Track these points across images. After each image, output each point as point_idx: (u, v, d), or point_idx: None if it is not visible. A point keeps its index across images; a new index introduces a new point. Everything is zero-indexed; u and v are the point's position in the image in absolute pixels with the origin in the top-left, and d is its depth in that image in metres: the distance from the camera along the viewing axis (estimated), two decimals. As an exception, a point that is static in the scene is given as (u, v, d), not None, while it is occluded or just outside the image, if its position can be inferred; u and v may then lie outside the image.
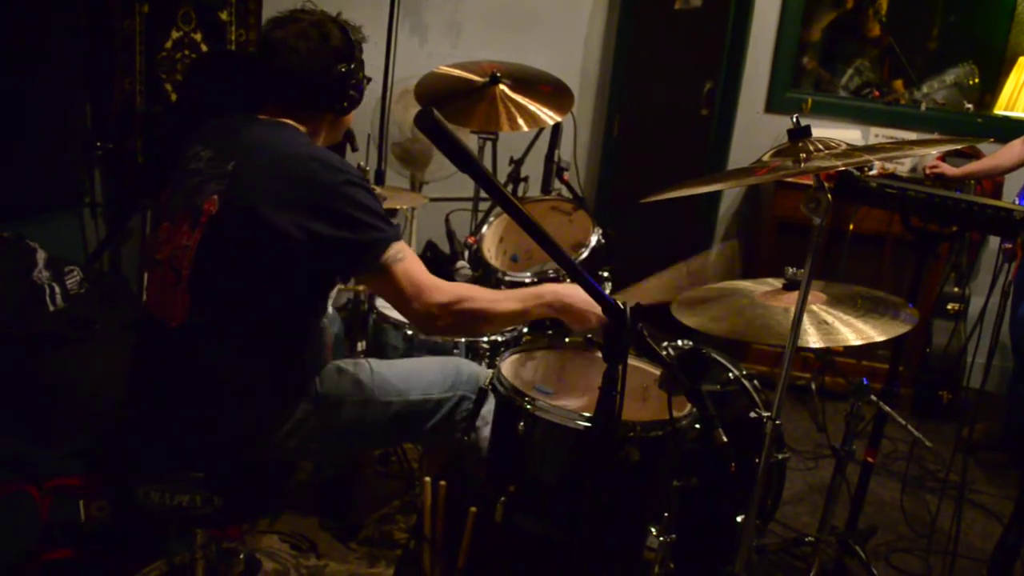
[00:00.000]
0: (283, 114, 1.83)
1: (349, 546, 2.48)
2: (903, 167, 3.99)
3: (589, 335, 2.11)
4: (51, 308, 2.42)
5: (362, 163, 2.78)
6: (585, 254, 2.59)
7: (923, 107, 4.26)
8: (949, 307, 3.84)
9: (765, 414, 2.07)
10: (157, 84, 3.55)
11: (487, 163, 3.43)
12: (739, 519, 2.07)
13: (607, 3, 4.57)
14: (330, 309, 2.19)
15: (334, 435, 1.90)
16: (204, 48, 3.62)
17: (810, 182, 1.63)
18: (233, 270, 1.72)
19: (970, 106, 4.25)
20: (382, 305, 2.44)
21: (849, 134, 4.09)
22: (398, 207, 2.81)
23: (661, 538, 1.76)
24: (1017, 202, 3.41)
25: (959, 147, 3.63)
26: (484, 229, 2.80)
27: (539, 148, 3.21)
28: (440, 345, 2.39)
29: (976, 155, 3.93)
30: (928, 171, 3.68)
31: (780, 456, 2.29)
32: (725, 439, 1.59)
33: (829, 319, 1.87)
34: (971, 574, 2.65)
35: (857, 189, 2.22)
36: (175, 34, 3.56)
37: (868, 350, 3.77)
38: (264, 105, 1.84)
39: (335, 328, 2.37)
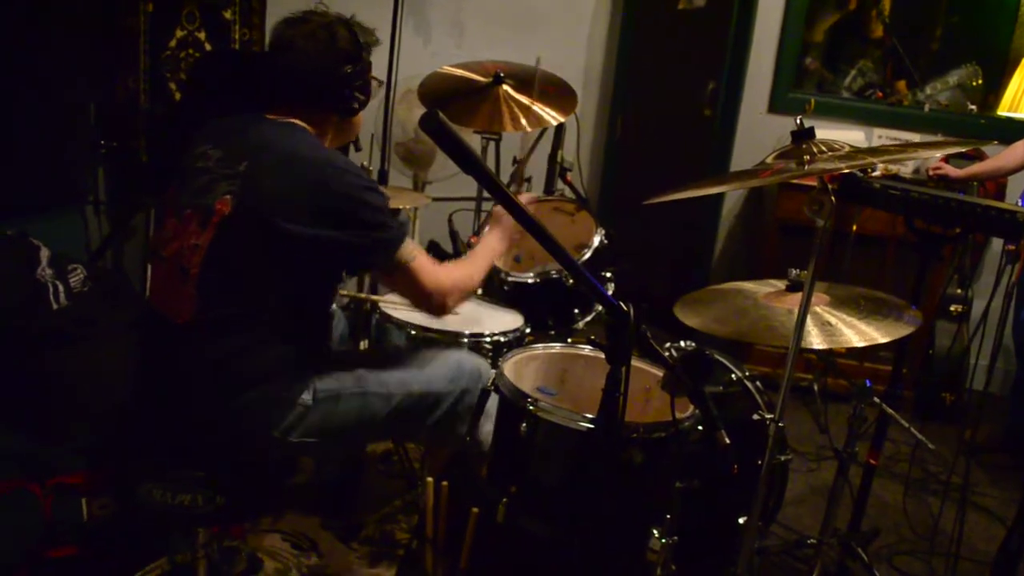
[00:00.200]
0: (290, 114, 1.85)
1: (350, 546, 2.48)
2: (906, 168, 3.99)
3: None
4: (54, 306, 2.42)
5: (365, 163, 2.79)
6: (588, 255, 2.60)
7: (926, 108, 4.25)
8: (952, 309, 3.84)
9: (768, 416, 2.08)
10: (161, 83, 3.55)
11: (490, 163, 3.43)
12: (741, 521, 2.07)
13: (610, 3, 4.57)
14: (334, 308, 2.20)
15: (335, 429, 1.91)
16: (208, 47, 3.62)
17: (813, 183, 1.63)
18: (245, 270, 1.74)
19: (973, 107, 4.25)
20: (385, 305, 2.44)
21: (852, 135, 4.09)
22: (401, 207, 2.81)
23: (663, 540, 1.76)
24: (1020, 204, 3.41)
25: (963, 150, 3.62)
26: (486, 229, 2.80)
27: (542, 148, 3.21)
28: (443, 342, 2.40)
29: (979, 156, 3.92)
30: (931, 172, 3.67)
31: (782, 458, 2.29)
32: (728, 441, 1.59)
33: (832, 320, 1.87)
34: (973, 576, 2.66)
35: (860, 191, 2.22)
36: (179, 33, 3.56)
37: (870, 352, 3.77)
38: (270, 105, 1.86)
39: (340, 328, 2.38)
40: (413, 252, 1.85)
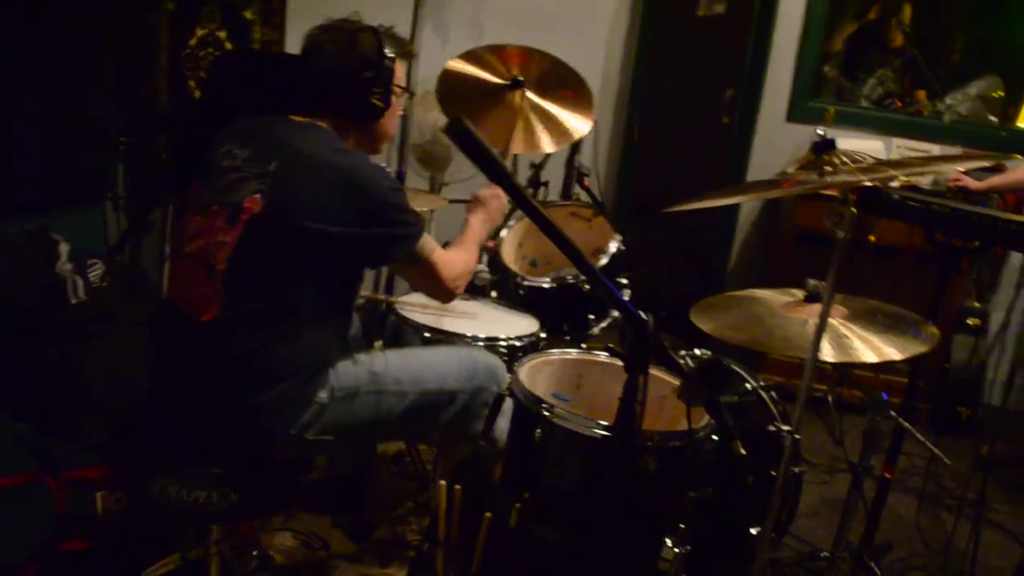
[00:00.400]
0: (312, 117, 1.89)
1: (361, 546, 2.48)
2: (925, 179, 3.96)
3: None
4: (73, 301, 2.44)
5: (383, 164, 2.78)
6: (604, 260, 2.59)
7: (946, 119, 4.22)
8: (969, 322, 3.81)
9: (785, 428, 2.07)
10: (181, 81, 3.58)
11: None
12: (754, 532, 2.06)
13: (630, 7, 4.56)
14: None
15: (351, 427, 1.92)
16: (228, 46, 3.64)
17: (832, 193, 1.62)
18: (270, 268, 1.77)
19: (994, 119, 4.21)
20: (401, 308, 2.44)
21: (871, 145, 4.06)
22: (418, 209, 2.80)
23: (676, 549, 1.75)
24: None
25: (986, 164, 3.59)
26: (503, 233, 2.81)
27: (559, 153, 3.20)
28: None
29: (999, 168, 3.89)
30: (951, 184, 3.65)
31: (796, 469, 2.27)
32: (744, 452, 1.58)
33: (848, 334, 1.85)
34: (987, 593, 2.63)
35: (880, 202, 2.20)
36: (200, 32, 3.59)
37: (886, 364, 3.73)
38: (294, 106, 1.89)
39: (353, 329, 2.38)
40: (432, 245, 1.93)
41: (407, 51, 2.01)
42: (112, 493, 2.18)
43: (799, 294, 2.04)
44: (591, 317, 2.66)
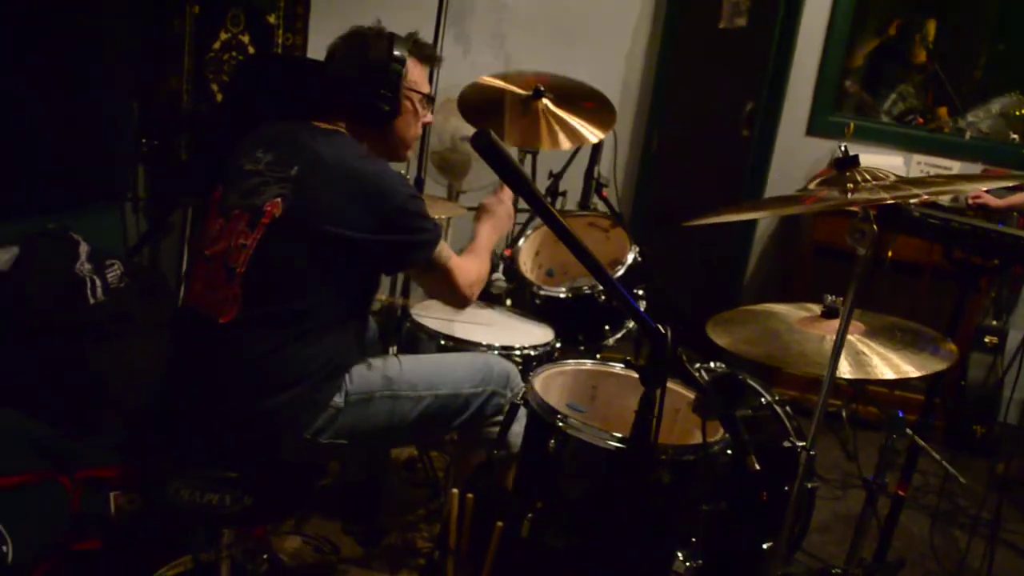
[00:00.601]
0: (333, 123, 1.92)
1: (372, 552, 2.49)
2: (944, 196, 3.94)
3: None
4: (92, 301, 2.45)
5: (402, 171, 2.80)
6: (621, 271, 2.59)
7: (967, 136, 4.20)
8: (987, 340, 3.78)
9: (800, 444, 2.06)
10: (204, 84, 3.60)
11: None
12: (766, 547, 2.05)
13: (651, 19, 4.56)
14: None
15: (365, 431, 1.92)
16: (251, 50, 3.67)
17: (853, 209, 1.61)
18: (289, 271, 1.79)
19: (1015, 136, 4.19)
20: (416, 313, 2.44)
21: (891, 160, 4.05)
22: (435, 216, 2.81)
23: (688, 563, 1.75)
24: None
25: (1011, 184, 3.57)
26: (520, 242, 2.81)
27: (578, 163, 3.21)
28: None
29: (1020, 187, 3.87)
30: (971, 201, 3.63)
31: (810, 485, 2.26)
32: (758, 467, 1.57)
33: (866, 351, 1.84)
34: (1000, 614, 2.61)
35: (901, 219, 2.19)
36: (223, 35, 3.61)
37: (902, 380, 3.71)
38: (316, 112, 1.91)
39: (369, 334, 2.39)
40: (448, 252, 1.96)
41: (429, 55, 2.01)
42: (126, 493, 2.19)
43: (816, 309, 2.03)
44: (606, 328, 2.66)
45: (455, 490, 1.92)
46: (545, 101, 2.72)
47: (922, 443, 2.33)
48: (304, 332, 1.80)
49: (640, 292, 2.70)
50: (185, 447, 1.83)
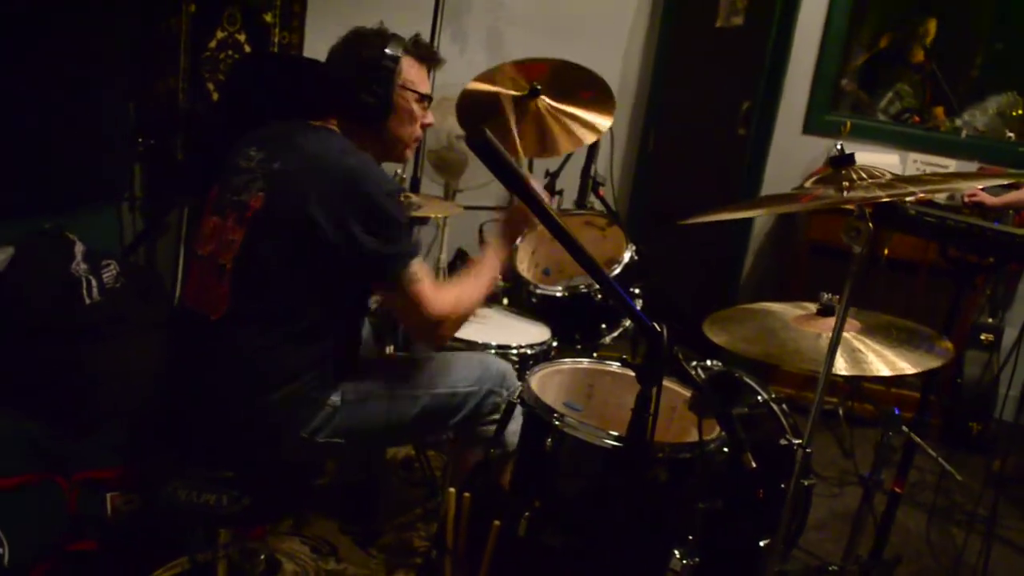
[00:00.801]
0: (327, 121, 1.90)
1: (369, 551, 2.49)
2: (940, 194, 3.94)
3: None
4: (87, 301, 2.45)
5: (399, 170, 2.80)
6: (618, 270, 2.59)
7: (963, 134, 4.20)
8: (983, 338, 3.79)
9: (796, 442, 2.06)
10: (200, 83, 3.60)
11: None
12: (763, 544, 2.05)
13: (648, 17, 4.57)
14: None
15: (362, 430, 1.92)
16: (248, 49, 3.66)
17: (848, 207, 1.62)
18: (275, 267, 1.77)
19: (1011, 135, 4.19)
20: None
21: (887, 159, 4.05)
22: (431, 215, 2.82)
23: (685, 560, 1.75)
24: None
25: (1005, 182, 3.57)
26: (517, 241, 2.80)
27: (575, 161, 3.21)
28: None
29: (1016, 184, 3.87)
30: (967, 199, 3.64)
31: (806, 482, 2.27)
32: (754, 465, 1.58)
33: (862, 348, 1.85)
34: (997, 611, 2.61)
35: (896, 217, 2.20)
36: (220, 34, 3.61)
37: (898, 377, 3.72)
38: (308, 110, 1.90)
39: (363, 333, 2.39)
40: (420, 274, 1.81)
41: (429, 55, 2.00)
42: (123, 494, 2.19)
43: (812, 307, 2.03)
44: (603, 326, 2.66)
45: (452, 489, 1.92)
46: (543, 98, 2.70)
47: (918, 440, 2.33)
48: (298, 330, 1.79)
49: (636, 291, 2.70)
50: (182, 447, 1.83)
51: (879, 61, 4.41)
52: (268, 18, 3.71)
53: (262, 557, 2.23)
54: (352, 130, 1.92)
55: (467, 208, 3.29)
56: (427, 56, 1.98)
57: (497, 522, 1.82)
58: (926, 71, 4.34)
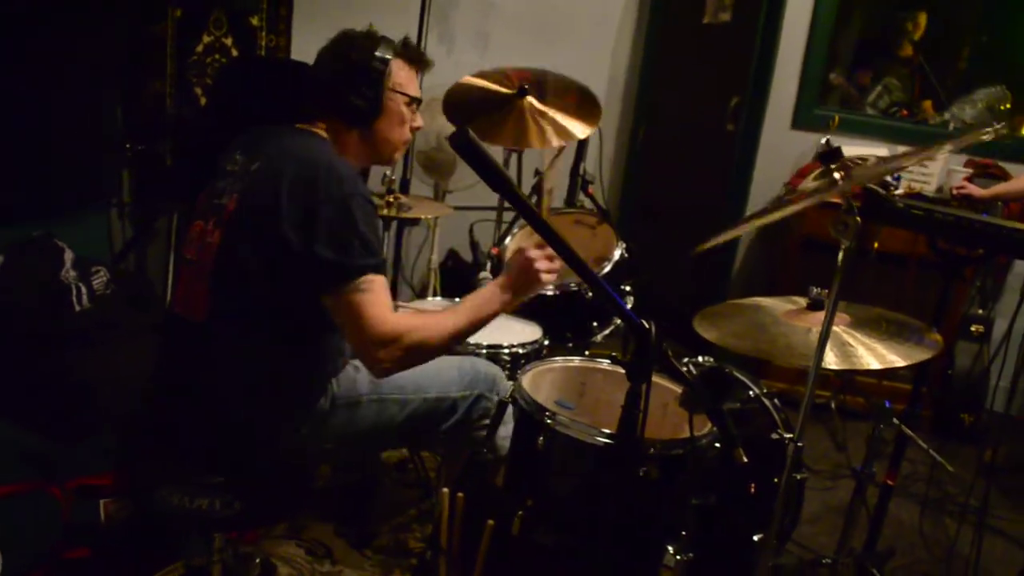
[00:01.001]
0: (312, 124, 1.90)
1: (364, 553, 2.49)
2: (929, 187, 3.96)
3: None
4: (77, 308, 2.45)
5: (388, 172, 2.79)
6: (608, 268, 2.60)
7: (951, 127, 4.22)
8: (973, 329, 3.81)
9: (788, 436, 2.07)
10: (187, 87, 3.59)
11: (512, 175, 3.44)
12: (756, 538, 2.06)
13: (636, 15, 4.57)
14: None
15: (352, 434, 1.92)
16: (235, 53, 3.66)
17: (835, 200, 1.63)
18: (251, 269, 1.75)
19: (999, 127, 4.19)
20: (403, 310, 2.44)
21: (875, 152, 4.06)
22: (421, 216, 2.82)
23: (678, 556, 1.75)
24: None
25: (967, 144, 3.55)
26: (507, 240, 2.81)
27: (564, 160, 3.20)
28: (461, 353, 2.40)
29: (1004, 176, 3.90)
30: (955, 192, 3.65)
31: (799, 476, 2.27)
32: (746, 460, 1.58)
33: (851, 342, 1.86)
34: (990, 601, 2.63)
35: (884, 210, 2.20)
36: (206, 38, 3.60)
37: (889, 370, 3.73)
38: (295, 114, 1.90)
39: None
40: (367, 287, 1.70)
41: (418, 58, 1.99)
42: (116, 501, 2.19)
43: (802, 302, 2.04)
44: (594, 324, 2.67)
45: (445, 489, 1.92)
46: (530, 99, 2.72)
47: (909, 432, 2.34)
48: (284, 332, 1.78)
49: (627, 288, 2.71)
50: (174, 452, 1.82)
51: (868, 54, 4.43)
52: (255, 21, 3.70)
53: (257, 561, 2.22)
54: (340, 133, 1.91)
55: (457, 209, 3.29)
56: (416, 59, 1.97)
57: (491, 521, 1.83)
58: (914, 65, 4.36)
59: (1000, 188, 3.53)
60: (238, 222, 1.76)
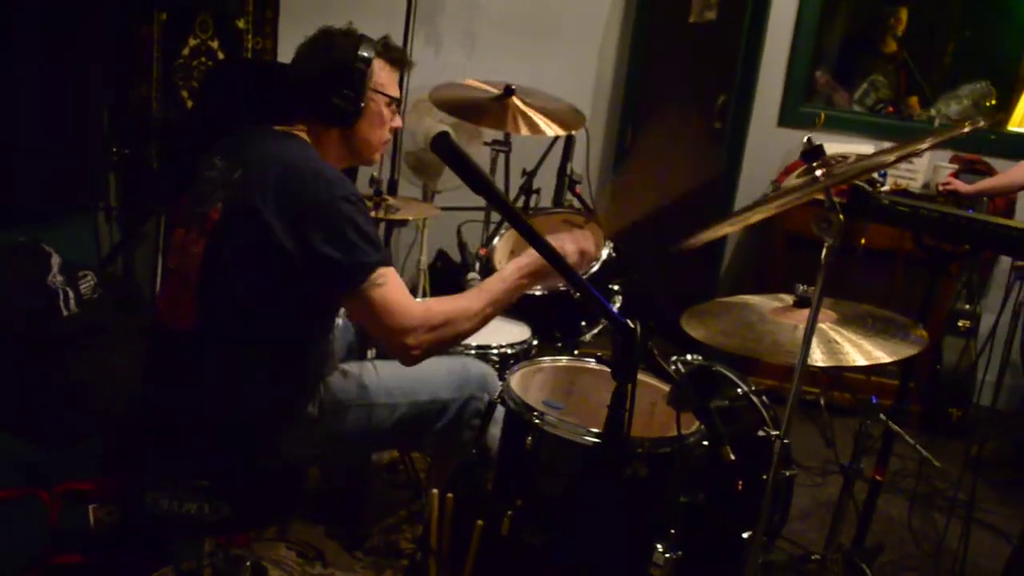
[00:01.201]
0: (293, 126, 1.88)
1: (355, 555, 2.49)
2: (915, 183, 3.98)
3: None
4: (65, 313, 2.44)
5: (375, 173, 2.79)
6: (596, 267, 2.60)
7: (936, 123, 4.24)
8: (960, 324, 3.83)
9: (774, 433, 2.08)
10: (173, 91, 3.58)
11: (500, 174, 3.44)
12: (746, 536, 2.07)
13: (622, 14, 4.58)
14: (339, 321, 2.20)
15: (341, 439, 1.91)
16: (221, 56, 3.65)
17: (819, 197, 1.63)
18: (235, 278, 1.74)
19: (983, 123, 4.21)
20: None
21: (861, 149, 4.08)
22: (410, 217, 2.82)
23: (667, 554, 1.76)
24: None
25: (950, 136, 3.58)
26: (495, 241, 2.81)
27: (552, 159, 3.22)
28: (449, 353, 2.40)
29: (990, 172, 3.92)
30: (941, 188, 3.67)
31: (788, 473, 2.28)
32: (733, 457, 1.59)
33: (838, 338, 1.87)
34: (979, 594, 2.64)
35: (869, 206, 2.21)
36: (192, 41, 3.59)
37: (878, 366, 3.73)
38: (277, 116, 1.88)
39: (348, 337, 2.38)
40: (384, 279, 1.72)
41: (399, 58, 1.98)
42: (105, 506, 2.18)
43: (789, 299, 2.05)
44: (583, 324, 2.67)
45: (435, 490, 1.92)
46: (515, 100, 2.73)
47: (895, 428, 2.36)
48: (270, 340, 1.77)
49: (616, 287, 2.71)
50: (163, 457, 1.82)
51: (854, 51, 4.45)
52: (241, 24, 3.69)
53: (247, 564, 2.22)
54: (320, 133, 1.89)
55: (445, 209, 3.29)
56: (398, 59, 1.96)
57: (480, 522, 1.83)
58: (899, 61, 4.38)
59: (986, 184, 3.55)
60: (223, 231, 1.73)
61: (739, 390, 2.32)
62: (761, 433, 2.17)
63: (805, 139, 1.67)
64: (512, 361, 2.36)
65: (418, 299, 1.82)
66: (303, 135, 1.87)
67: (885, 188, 3.92)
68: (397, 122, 1.99)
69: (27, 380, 2.32)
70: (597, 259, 2.60)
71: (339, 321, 2.19)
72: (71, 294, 2.47)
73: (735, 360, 2.49)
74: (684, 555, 1.79)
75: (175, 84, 3.59)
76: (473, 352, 2.33)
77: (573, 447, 1.74)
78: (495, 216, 3.29)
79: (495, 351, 2.36)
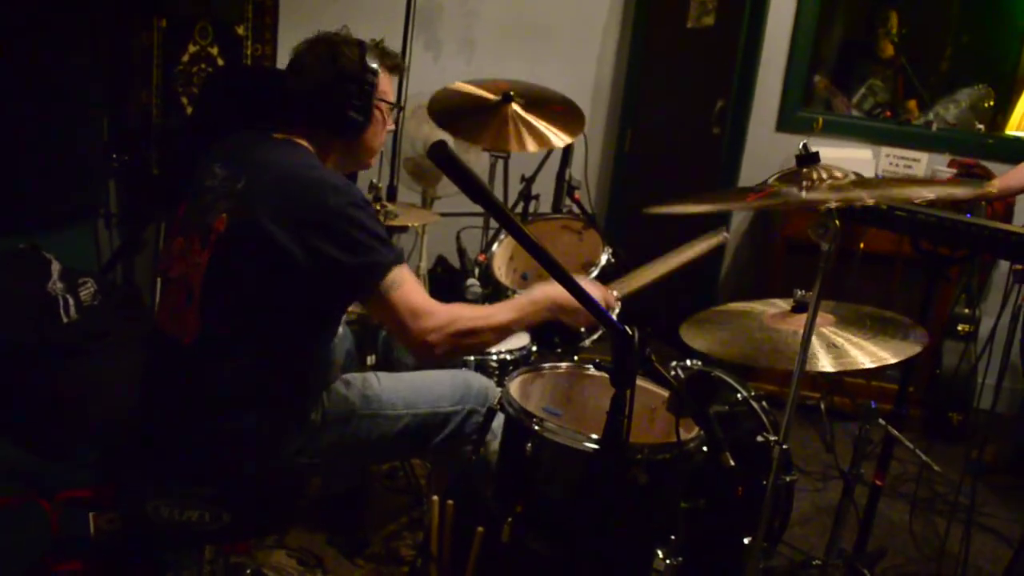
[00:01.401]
0: (293, 133, 1.86)
1: (355, 562, 2.48)
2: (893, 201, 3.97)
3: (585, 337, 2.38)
4: (64, 320, 2.44)
5: (374, 179, 2.80)
6: (595, 273, 2.60)
7: (934, 127, 4.25)
8: (959, 328, 3.83)
9: (773, 438, 2.08)
10: (173, 97, 3.59)
11: (499, 181, 3.45)
12: (746, 541, 2.07)
13: (620, 20, 4.59)
14: (341, 329, 2.20)
15: (343, 450, 1.91)
16: (220, 62, 3.66)
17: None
18: (243, 290, 1.74)
19: (981, 126, 4.23)
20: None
21: (859, 154, 4.09)
22: (409, 224, 2.82)
23: (668, 560, 1.76)
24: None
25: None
26: (495, 247, 2.82)
27: (550, 166, 3.22)
28: (449, 361, 2.40)
29: (987, 176, 3.92)
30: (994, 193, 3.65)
31: (788, 478, 2.28)
32: (732, 463, 1.59)
33: (839, 342, 1.86)
34: (980, 598, 2.64)
35: (867, 212, 2.22)
36: (192, 48, 3.60)
37: (877, 371, 3.75)
38: (277, 123, 1.87)
39: (347, 344, 2.39)
40: (400, 279, 1.74)
41: (396, 64, 1.98)
42: (105, 514, 2.18)
43: (787, 305, 2.05)
44: (582, 329, 2.67)
45: (436, 497, 1.92)
46: (514, 106, 2.74)
47: (895, 432, 2.35)
48: (274, 350, 1.77)
49: (615, 293, 2.71)
50: (163, 465, 1.82)
51: (852, 56, 4.46)
52: (240, 31, 3.70)
53: (248, 572, 2.22)
54: (322, 141, 1.88)
55: (445, 215, 3.29)
56: (395, 65, 1.97)
57: (481, 528, 1.83)
58: (896, 66, 4.39)
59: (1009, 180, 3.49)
60: (229, 243, 1.72)
61: (738, 395, 2.32)
62: (760, 438, 2.16)
63: (801, 145, 1.67)
64: (511, 367, 2.36)
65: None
66: (303, 142, 1.86)
67: (860, 204, 3.90)
68: (390, 124, 2.00)
69: (27, 387, 2.32)
70: (596, 264, 2.60)
71: (340, 329, 2.19)
72: (71, 301, 2.46)
73: (735, 365, 2.49)
74: (685, 561, 1.79)
75: (175, 91, 3.60)
76: (473, 358, 2.33)
77: (573, 453, 1.74)
78: (494, 222, 3.29)
79: (494, 357, 2.36)
